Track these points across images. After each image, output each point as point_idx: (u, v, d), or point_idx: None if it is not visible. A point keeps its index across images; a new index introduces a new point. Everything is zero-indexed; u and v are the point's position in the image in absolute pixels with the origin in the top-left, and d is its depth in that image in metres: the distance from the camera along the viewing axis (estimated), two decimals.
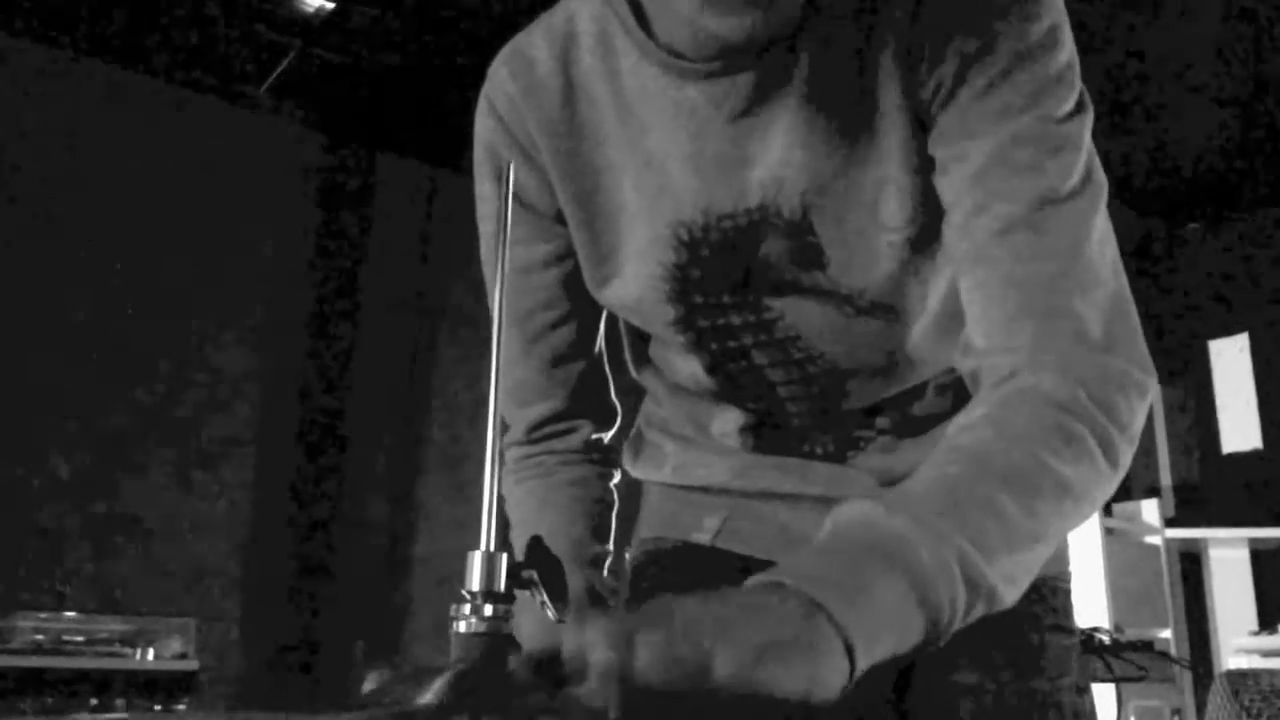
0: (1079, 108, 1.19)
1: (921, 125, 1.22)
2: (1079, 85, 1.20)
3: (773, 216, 1.27)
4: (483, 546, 0.87)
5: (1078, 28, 1.19)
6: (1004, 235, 1.16)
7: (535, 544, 0.92)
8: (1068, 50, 1.19)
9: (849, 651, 0.85)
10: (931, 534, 0.94)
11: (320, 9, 5.27)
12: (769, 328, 1.35)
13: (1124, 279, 1.18)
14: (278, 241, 6.09)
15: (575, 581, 1.31)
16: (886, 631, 0.90)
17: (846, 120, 1.23)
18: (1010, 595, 1.00)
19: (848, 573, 0.91)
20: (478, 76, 1.40)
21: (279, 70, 5.74)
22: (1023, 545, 1.01)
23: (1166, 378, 7.31)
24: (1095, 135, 1.20)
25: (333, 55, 5.64)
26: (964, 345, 1.21)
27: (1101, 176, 1.19)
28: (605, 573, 1.45)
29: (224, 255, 5.87)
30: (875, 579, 0.90)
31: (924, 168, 1.22)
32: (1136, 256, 7.43)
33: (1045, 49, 1.17)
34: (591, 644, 0.80)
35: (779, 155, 1.24)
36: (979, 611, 0.97)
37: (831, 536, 0.98)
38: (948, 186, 1.21)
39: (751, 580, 0.90)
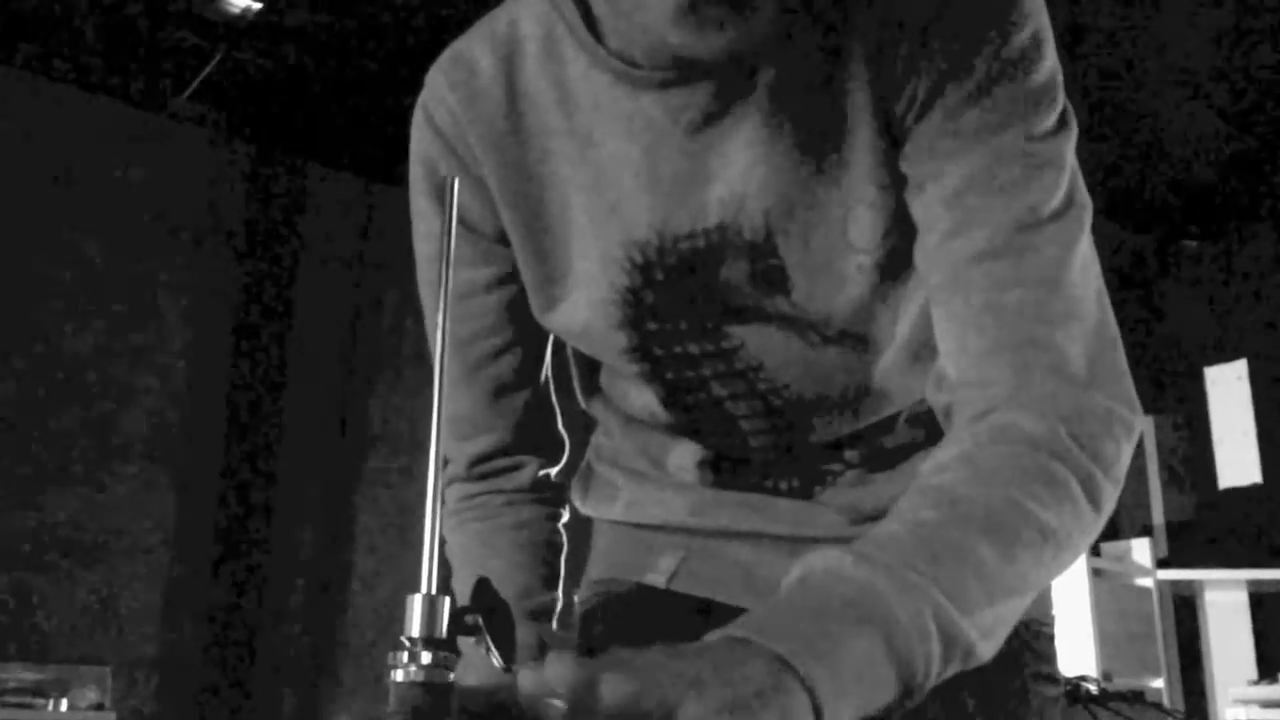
0: (1062, 124, 1.18)
1: (894, 141, 1.21)
2: (1062, 99, 1.19)
3: (733, 237, 1.26)
4: (423, 589, 0.87)
5: (1064, 28, 1.19)
6: (981, 261, 1.15)
7: (482, 586, 0.92)
8: (1050, 62, 1.18)
9: (817, 712, 0.86)
10: (904, 586, 0.94)
11: (247, 10, 5.26)
12: (729, 357, 1.35)
13: (1109, 307, 1.18)
14: (200, 262, 6.07)
15: (523, 635, 1.30)
16: (856, 690, 0.90)
17: (813, 134, 1.22)
18: (988, 650, 1.00)
19: (816, 628, 0.91)
20: (416, 83, 1.39)
21: (202, 76, 5.73)
22: (1001, 596, 1.01)
23: (1159, 407, 7.33)
24: (1082, 144, 1.20)
25: (260, 60, 5.63)
26: (936, 378, 1.22)
27: (1085, 198, 1.19)
28: (555, 624, 1.45)
29: (142, 279, 5.84)
30: (845, 635, 0.90)
31: (896, 185, 1.22)
32: (1125, 276, 7.44)
33: (1026, 61, 1.16)
34: (550, 687, 0.80)
35: (740, 171, 1.24)
36: (955, 667, 0.97)
37: (799, 587, 0.98)
38: (921, 207, 1.20)
39: (714, 634, 0.90)
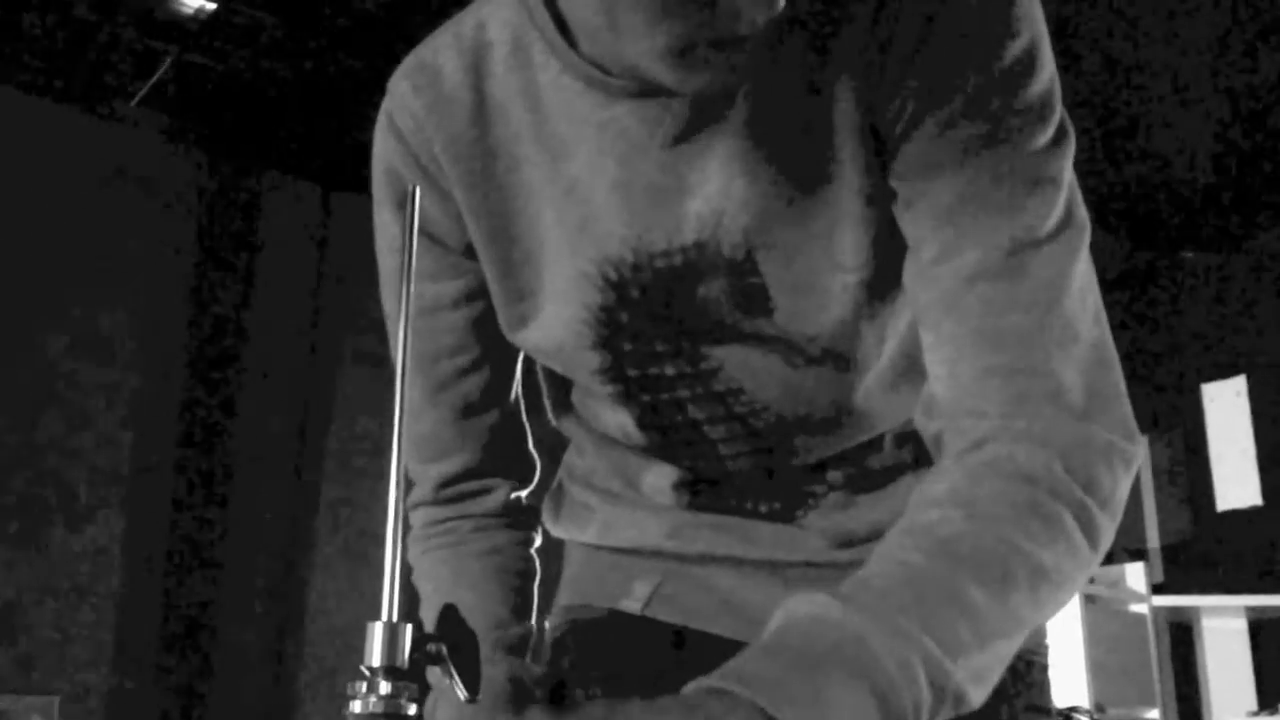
0: (1060, 137, 1.17)
1: (882, 154, 1.20)
2: (1060, 111, 1.18)
3: (712, 254, 1.25)
4: (384, 616, 0.87)
5: (1060, 33, 1.18)
6: (974, 282, 1.15)
7: (448, 613, 0.92)
8: (1048, 72, 1.17)
9: None
10: (892, 633, 0.94)
11: (200, 10, 5.25)
12: (707, 379, 1.34)
13: (1107, 330, 1.18)
14: (151, 274, 6.05)
15: (496, 670, 1.30)
16: None
17: (797, 147, 1.21)
18: (979, 696, 1.00)
19: (800, 678, 0.91)
20: (379, 86, 1.39)
21: (153, 80, 5.72)
22: (993, 640, 1.01)
23: (1154, 425, 7.33)
24: (1077, 153, 1.19)
25: (213, 63, 5.62)
26: (926, 404, 1.21)
27: (1084, 215, 1.19)
28: (529, 657, 1.44)
29: (90, 290, 5.82)
30: (830, 684, 0.91)
31: (884, 201, 1.21)
32: (1121, 289, 7.44)
33: (1022, 71, 1.15)
34: None
35: (719, 185, 1.23)
36: (945, 715, 0.97)
37: (781, 634, 0.98)
38: (911, 224, 1.20)
39: (694, 685, 0.91)
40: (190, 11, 5.26)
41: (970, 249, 1.15)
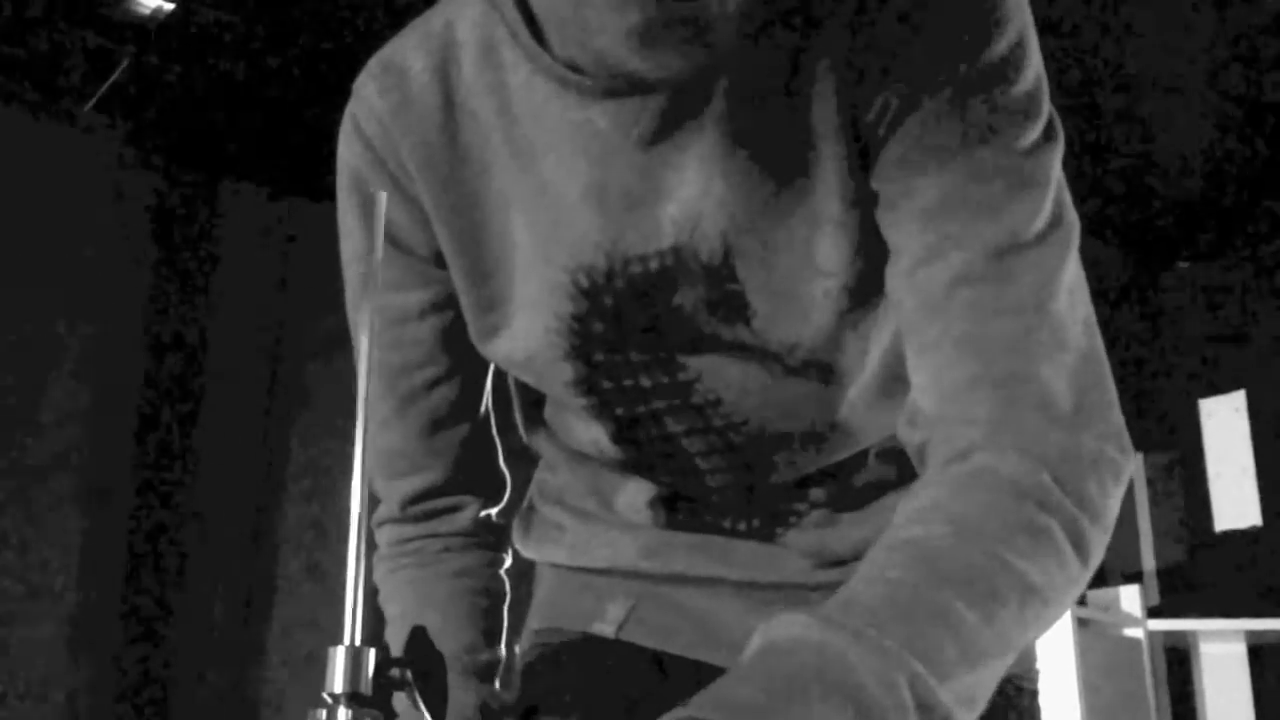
0: (1048, 136, 1.17)
1: (864, 155, 1.20)
2: (1048, 109, 1.18)
3: (689, 260, 1.25)
4: (346, 640, 0.87)
5: (1050, 32, 1.18)
6: (958, 287, 1.15)
7: (416, 636, 0.92)
8: (1034, 68, 1.17)
9: None
10: (877, 654, 0.93)
11: (158, 10, 5.24)
12: (684, 390, 1.34)
13: (1097, 337, 1.18)
14: (103, 285, 6.03)
15: (465, 697, 1.30)
16: None
17: (776, 147, 1.21)
18: (968, 718, 1.00)
19: (783, 704, 0.90)
20: (344, 90, 1.38)
21: (109, 83, 5.71)
22: (982, 660, 1.00)
23: (1150, 442, 7.33)
24: (1069, 158, 1.18)
25: (173, 66, 5.61)
26: (909, 413, 1.20)
27: (1073, 216, 1.19)
28: (499, 683, 1.44)
29: (38, 305, 5.80)
30: (812, 711, 0.90)
31: (865, 203, 1.21)
32: (1112, 300, 7.44)
33: (1008, 67, 1.15)
34: None
35: (696, 188, 1.23)
36: None
37: (760, 657, 0.97)
38: (893, 227, 1.20)
39: (671, 715, 0.90)
40: (148, 11, 5.25)
41: (954, 252, 1.15)
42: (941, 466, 1.14)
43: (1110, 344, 1.17)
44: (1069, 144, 1.20)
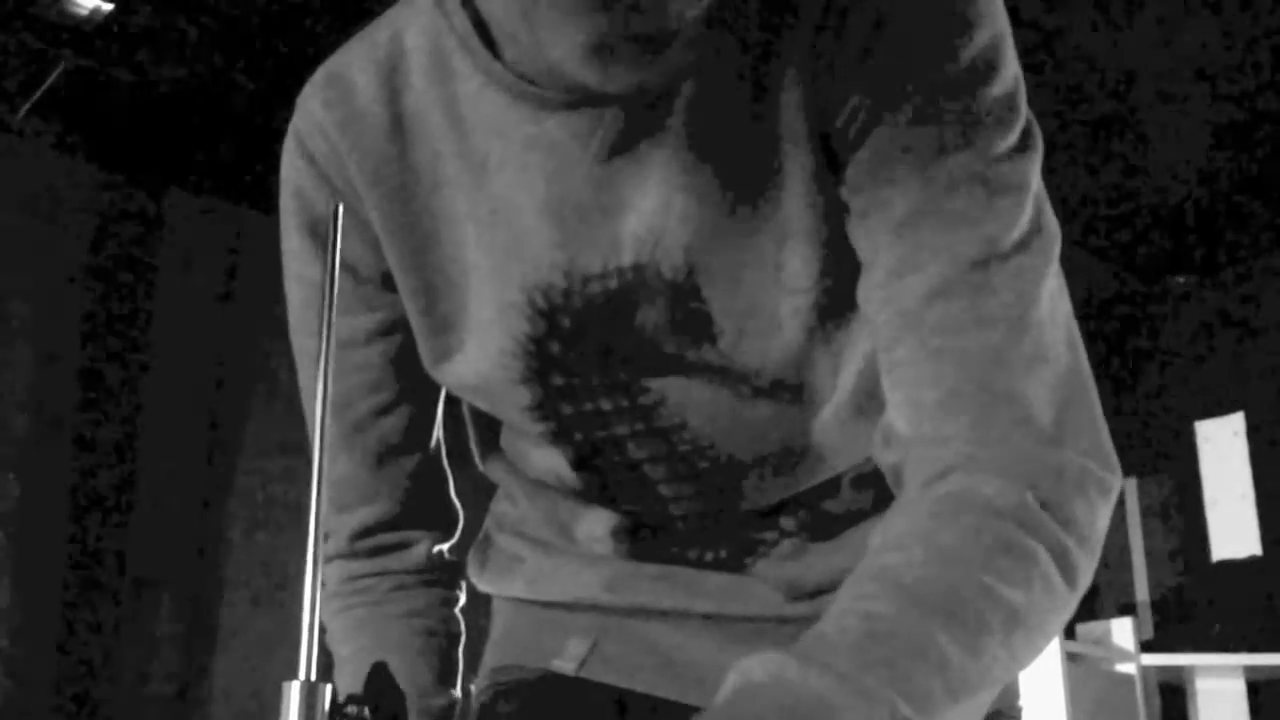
0: (1025, 141, 1.18)
1: (833, 164, 1.20)
2: (1025, 113, 1.19)
3: (650, 277, 1.25)
4: (301, 675, 0.86)
5: (1036, 34, 1.18)
6: (933, 300, 1.15)
7: (378, 672, 0.92)
8: (1011, 71, 1.18)
9: None
10: (858, 693, 0.93)
11: (96, 11, 5.23)
12: (648, 415, 1.34)
13: (1081, 350, 1.18)
14: (39, 301, 6.02)
15: None
16: None
17: (740, 158, 1.21)
18: None
19: None
20: (292, 97, 1.38)
21: (44, 87, 5.70)
22: (967, 692, 1.00)
23: (1143, 467, 7.33)
24: (1056, 168, 1.20)
25: (111, 68, 5.60)
26: (884, 434, 1.19)
27: (1053, 224, 1.19)
28: None
29: None
30: None
31: (835, 214, 1.21)
32: (1104, 318, 7.42)
33: (982, 71, 1.16)
34: None
35: (658, 200, 1.23)
36: None
37: (735, 700, 0.96)
38: (865, 239, 1.20)
39: None
40: (84, 13, 5.24)
41: (929, 263, 1.15)
42: (918, 488, 1.13)
43: (1100, 364, 1.18)
44: (1059, 150, 1.20)
